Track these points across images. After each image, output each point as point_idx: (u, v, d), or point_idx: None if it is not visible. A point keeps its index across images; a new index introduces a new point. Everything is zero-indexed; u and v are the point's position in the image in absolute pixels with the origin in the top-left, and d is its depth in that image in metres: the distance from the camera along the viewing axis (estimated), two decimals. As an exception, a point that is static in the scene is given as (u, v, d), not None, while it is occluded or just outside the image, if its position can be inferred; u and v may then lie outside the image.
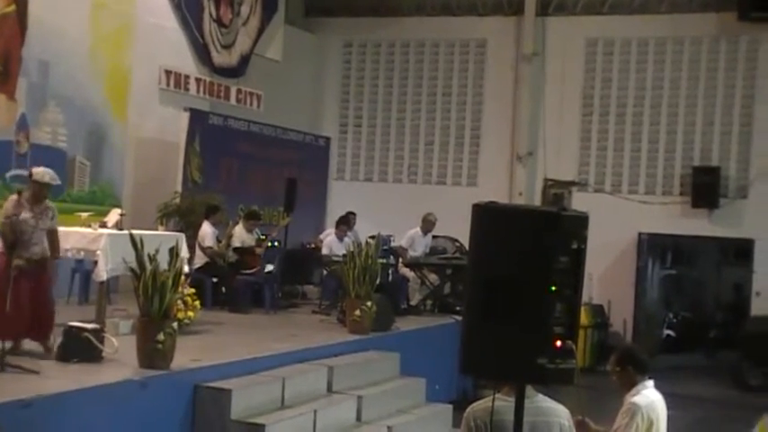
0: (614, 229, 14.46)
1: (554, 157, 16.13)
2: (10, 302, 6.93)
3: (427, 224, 13.60)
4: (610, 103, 16.16)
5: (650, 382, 5.29)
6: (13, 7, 11.10)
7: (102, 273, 8.77)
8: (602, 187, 16.10)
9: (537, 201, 16.04)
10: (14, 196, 7.64)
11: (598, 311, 15.28)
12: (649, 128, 15.93)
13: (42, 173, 7.68)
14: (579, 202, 15.39)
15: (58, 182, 7.88)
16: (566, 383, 3.38)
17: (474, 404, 4.01)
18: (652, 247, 15.93)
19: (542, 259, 3.32)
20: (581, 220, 3.46)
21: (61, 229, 8.80)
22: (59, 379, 6.54)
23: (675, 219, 15.48)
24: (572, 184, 16.16)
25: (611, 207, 15.35)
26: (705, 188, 15.20)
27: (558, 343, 3.32)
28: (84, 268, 10.52)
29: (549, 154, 16.17)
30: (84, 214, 9.81)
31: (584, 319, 13.69)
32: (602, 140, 16.19)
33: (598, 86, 16.25)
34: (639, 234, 15.62)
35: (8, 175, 11.06)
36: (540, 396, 3.87)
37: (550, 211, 3.47)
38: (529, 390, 3.76)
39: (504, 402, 3.80)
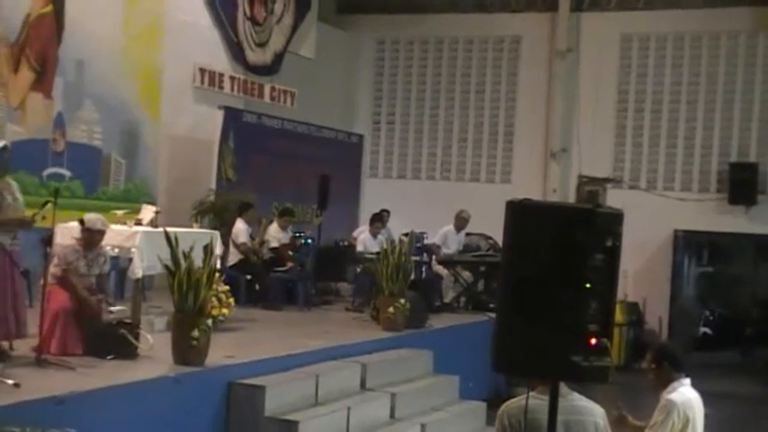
0: (650, 227, 14.33)
1: (588, 153, 16.02)
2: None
3: (460, 221, 13.57)
4: (645, 98, 16.02)
5: (687, 380, 5.24)
6: (50, 7, 11.21)
7: (137, 270, 8.83)
8: (638, 184, 15.97)
9: (571, 198, 15.94)
10: (71, 242, 7.71)
11: (633, 309, 15.16)
12: (685, 124, 15.78)
13: (94, 220, 7.75)
14: (614, 198, 15.24)
15: (109, 227, 7.91)
16: (600, 381, 3.35)
17: (508, 402, 3.99)
18: (688, 244, 15.78)
19: (577, 256, 3.30)
20: (616, 217, 3.42)
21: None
22: (94, 376, 6.59)
23: (712, 216, 15.32)
24: (606, 180, 16.03)
25: (647, 204, 15.21)
26: (742, 184, 15.01)
27: (593, 340, 3.29)
28: (119, 265, 10.60)
29: (584, 150, 16.06)
30: (120, 212, 9.87)
31: (618, 316, 13.59)
32: (638, 137, 16.05)
33: (633, 82, 16.11)
34: (675, 231, 15.48)
35: (45, 173, 11.17)
36: (576, 395, 3.85)
37: (585, 208, 3.45)
38: (564, 388, 3.74)
39: (537, 401, 3.79)
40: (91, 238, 7.69)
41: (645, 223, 13.25)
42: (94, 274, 7.73)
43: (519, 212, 3.45)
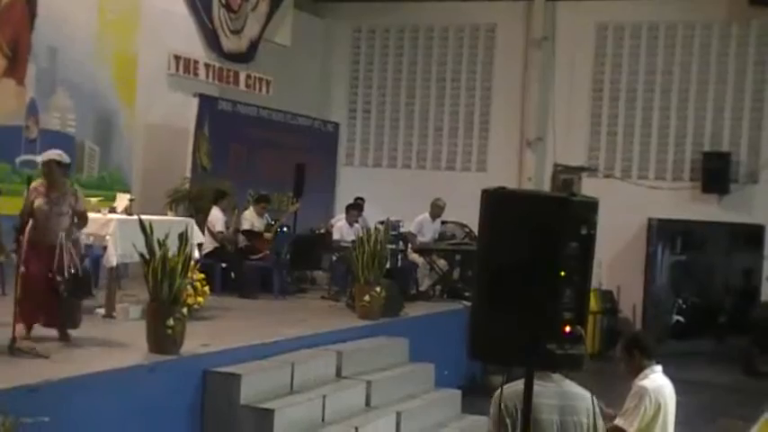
0: (624, 215, 14.41)
1: (563, 142, 16.09)
2: (20, 288, 6.95)
3: (436, 210, 13.59)
4: (620, 88, 16.09)
5: (658, 367, 5.28)
6: (22, -7, 11.10)
7: (112, 258, 8.80)
8: (612, 172, 16.06)
9: (546, 186, 16.00)
10: (34, 183, 7.57)
11: (607, 297, 15.25)
12: (660, 113, 15.86)
13: (50, 153, 7.58)
14: (589, 187, 15.33)
15: (66, 159, 7.65)
16: (574, 369, 3.38)
17: (504, 387, 4.02)
18: (662, 232, 15.88)
19: (551, 245, 3.31)
20: (591, 206, 3.43)
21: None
22: (68, 364, 6.56)
23: (685, 204, 15.44)
24: (581, 169, 16.10)
25: (621, 192, 15.31)
26: (715, 173, 15.14)
27: (567, 328, 3.31)
28: (94, 254, 10.53)
29: (559, 139, 16.13)
30: (94, 199, 9.81)
31: (593, 304, 13.67)
32: (612, 125, 16.13)
33: (608, 71, 16.17)
34: (649, 219, 15.59)
35: (18, 160, 11.08)
36: (568, 381, 3.87)
37: (560, 197, 3.46)
38: (556, 374, 3.79)
39: (534, 386, 3.80)
40: (50, 172, 7.46)
41: (619, 211, 13.32)
42: (62, 213, 7.44)
43: (494, 201, 3.45)
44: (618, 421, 5.16)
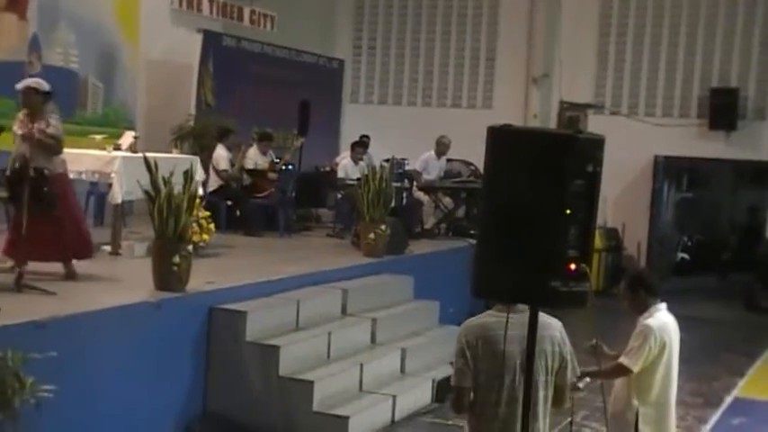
0: (630, 152, 14.33)
1: (570, 79, 15.93)
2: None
3: (441, 147, 13.53)
4: (628, 23, 15.88)
5: (663, 305, 5.29)
6: (23, -75, 10.93)
7: (117, 195, 8.80)
8: (619, 110, 15.93)
9: (552, 124, 15.90)
10: (18, 113, 7.46)
11: (612, 235, 15.27)
12: (668, 49, 15.68)
13: (23, 81, 7.43)
14: (595, 124, 15.22)
15: (45, 87, 7.41)
16: (578, 306, 3.38)
17: (466, 321, 4.07)
18: (668, 169, 15.83)
19: (557, 182, 3.29)
20: (596, 143, 3.41)
21: (75, 151, 8.82)
22: (75, 300, 6.60)
23: (692, 141, 15.34)
24: (588, 106, 15.98)
25: (628, 129, 15.20)
26: (723, 110, 15.00)
27: (572, 266, 3.31)
28: (98, 191, 10.54)
29: (565, 76, 15.96)
30: (98, 137, 9.79)
31: (598, 242, 13.68)
32: (620, 62, 15.96)
33: (616, 6, 15.95)
34: (655, 157, 15.52)
35: (21, 96, 11.00)
36: (523, 311, 3.81)
37: (566, 134, 3.43)
38: (520, 305, 3.78)
39: (495, 318, 3.90)
40: (27, 99, 7.32)
41: (625, 149, 13.24)
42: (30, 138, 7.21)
43: (500, 138, 3.43)
44: (622, 360, 5.18)
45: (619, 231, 15.43)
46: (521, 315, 3.75)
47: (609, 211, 14.42)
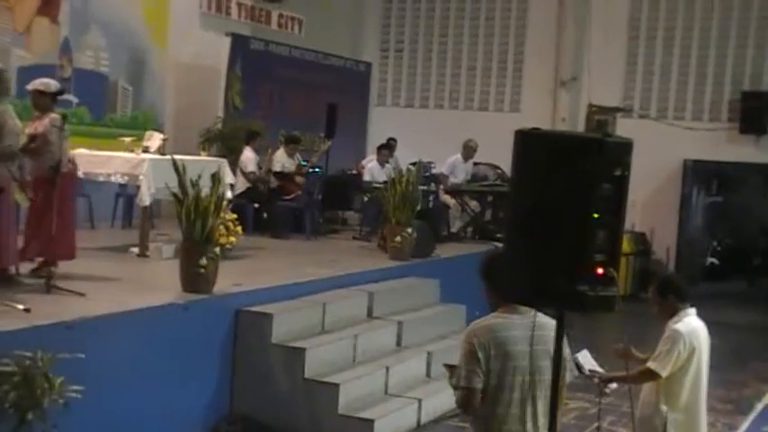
0: (659, 156, 14.24)
1: (599, 82, 15.85)
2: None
3: (468, 150, 13.51)
4: (657, 26, 15.79)
5: (692, 310, 5.25)
6: (55, -70, 11.04)
7: (145, 197, 8.85)
8: (648, 113, 15.84)
9: (580, 127, 15.81)
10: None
11: (641, 239, 15.18)
12: (698, 52, 15.57)
13: (31, 83, 7.46)
14: (624, 128, 15.12)
15: (52, 88, 7.46)
16: (606, 311, 3.36)
17: (473, 323, 4.10)
18: (697, 173, 15.71)
19: (585, 186, 3.27)
20: (625, 147, 3.38)
21: (104, 153, 8.89)
22: (103, 302, 6.64)
23: (722, 145, 15.21)
24: (616, 110, 15.90)
25: (657, 133, 15.10)
26: (754, 113, 14.87)
27: (600, 270, 3.29)
28: (127, 193, 10.64)
29: (594, 79, 15.89)
30: (127, 139, 9.86)
31: (626, 246, 13.60)
32: (649, 65, 15.86)
33: (645, 9, 15.86)
34: (685, 161, 15.41)
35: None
36: (533, 311, 3.93)
37: (594, 137, 3.41)
38: (522, 307, 3.88)
39: (502, 320, 3.96)
40: (34, 101, 7.37)
41: (654, 153, 13.15)
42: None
43: (527, 141, 3.42)
44: (651, 364, 5.15)
45: (647, 236, 15.33)
46: (524, 317, 3.86)
47: (637, 215, 14.32)
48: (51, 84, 7.54)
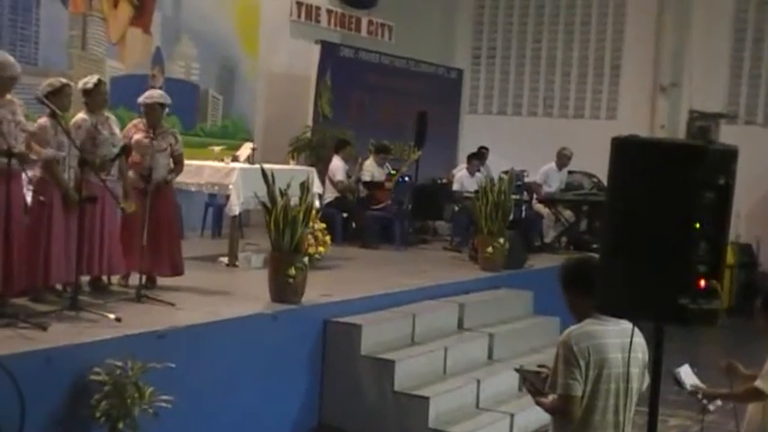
0: (766, 164, 13.84)
1: (700, 87, 15.48)
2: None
3: (563, 159, 13.37)
4: (765, 27, 15.36)
5: (802, 326, 5.06)
6: (148, -58, 11.34)
7: (234, 207, 9.00)
8: (754, 119, 15.41)
9: (681, 134, 15.46)
10: (133, 121, 7.77)
11: (746, 251, 14.78)
12: (809, 54, 15.11)
13: (149, 95, 7.72)
14: (727, 135, 14.72)
15: (168, 100, 7.73)
16: (708, 325, 3.29)
17: (570, 329, 4.08)
18: (806, 183, 15.21)
19: (686, 195, 3.20)
20: (729, 154, 3.31)
21: (194, 162, 9.08)
22: (193, 311, 6.77)
23: (833, 153, 14.70)
24: (720, 116, 15.50)
25: (763, 140, 14.66)
26: None
27: (702, 282, 3.22)
28: (216, 202, 10.84)
29: (696, 84, 15.54)
30: (217, 148, 10.05)
31: (730, 258, 13.21)
32: (755, 68, 15.43)
33: (752, 9, 15.45)
34: (793, 169, 14.94)
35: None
36: (615, 319, 3.95)
37: (695, 145, 3.34)
38: (603, 315, 3.92)
39: (599, 326, 3.98)
40: (153, 113, 7.59)
41: (761, 160, 12.80)
42: (162, 149, 7.56)
43: (625, 149, 3.37)
44: (758, 383, 4.98)
45: (753, 247, 14.91)
46: (613, 324, 3.93)
47: (742, 225, 13.95)
48: (166, 96, 7.82)
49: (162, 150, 7.57)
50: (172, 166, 7.73)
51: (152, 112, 7.61)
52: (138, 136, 7.55)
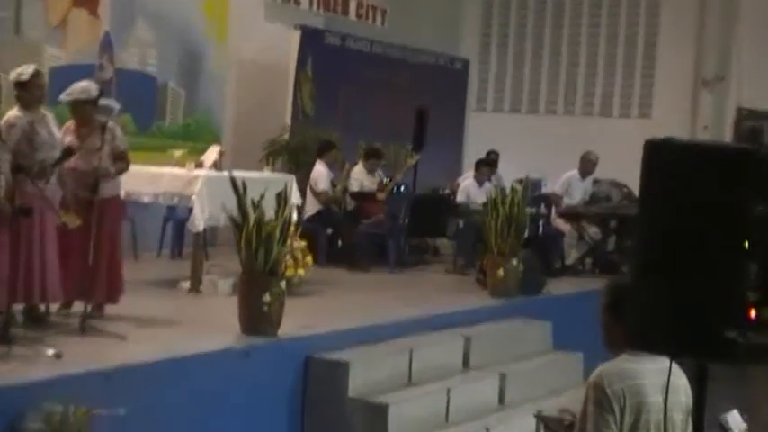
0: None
1: (750, 81, 15.58)
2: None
3: (587, 165, 13.41)
4: (824, 12, 15.50)
5: None
6: None
7: (198, 222, 9.00)
8: (813, 119, 15.52)
9: (727, 136, 15.59)
10: (66, 124, 7.70)
11: (804, 275, 14.83)
12: None
13: (69, 92, 7.61)
14: (781, 137, 14.89)
15: (93, 93, 7.66)
16: (761, 362, 3.30)
17: (603, 367, 4.13)
18: None
19: (733, 209, 3.22)
20: (785, 160, 3.33)
21: (151, 169, 9.07)
22: (148, 345, 6.76)
23: None
24: (773, 115, 15.63)
25: (823, 144, 14.79)
26: None
27: (753, 312, 3.23)
28: (177, 216, 10.84)
29: (744, 78, 15.65)
30: (178, 152, 10.07)
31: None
32: (815, 60, 15.57)
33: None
34: None
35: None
36: (652, 355, 3.92)
37: (743, 149, 3.35)
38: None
39: (634, 364, 4.00)
40: (75, 111, 7.60)
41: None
42: (95, 149, 7.45)
43: (661, 154, 3.38)
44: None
45: (812, 270, 14.97)
46: (654, 362, 3.89)
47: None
48: (91, 88, 7.73)
49: (95, 150, 7.44)
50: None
51: (75, 111, 7.60)
52: (68, 139, 7.51)
